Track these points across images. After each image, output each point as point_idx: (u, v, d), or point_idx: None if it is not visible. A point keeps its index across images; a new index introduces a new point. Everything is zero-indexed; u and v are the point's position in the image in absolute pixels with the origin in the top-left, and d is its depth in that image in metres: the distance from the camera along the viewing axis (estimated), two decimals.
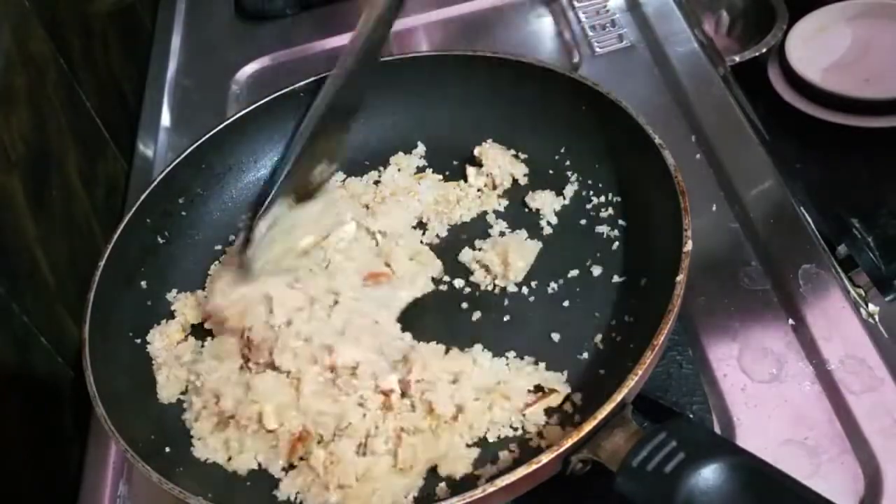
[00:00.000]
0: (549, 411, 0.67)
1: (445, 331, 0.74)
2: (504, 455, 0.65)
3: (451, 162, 0.89)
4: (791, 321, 0.76)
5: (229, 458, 0.69)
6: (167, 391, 0.74)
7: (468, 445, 0.66)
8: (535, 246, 0.79)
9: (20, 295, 0.78)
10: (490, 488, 0.55)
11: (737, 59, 1.33)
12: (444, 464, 0.65)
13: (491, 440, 0.67)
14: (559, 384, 0.68)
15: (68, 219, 0.92)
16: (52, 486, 0.79)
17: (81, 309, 0.72)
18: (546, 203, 0.82)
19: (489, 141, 0.86)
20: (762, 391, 0.72)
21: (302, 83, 0.89)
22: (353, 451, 0.66)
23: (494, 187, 0.85)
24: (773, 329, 0.75)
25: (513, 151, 0.86)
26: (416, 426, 0.66)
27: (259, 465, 0.69)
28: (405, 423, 0.67)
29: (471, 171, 0.86)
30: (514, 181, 0.85)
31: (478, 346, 0.72)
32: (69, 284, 0.87)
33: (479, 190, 0.86)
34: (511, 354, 0.71)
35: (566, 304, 0.75)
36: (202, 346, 0.78)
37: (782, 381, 0.72)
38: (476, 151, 0.86)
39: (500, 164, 0.85)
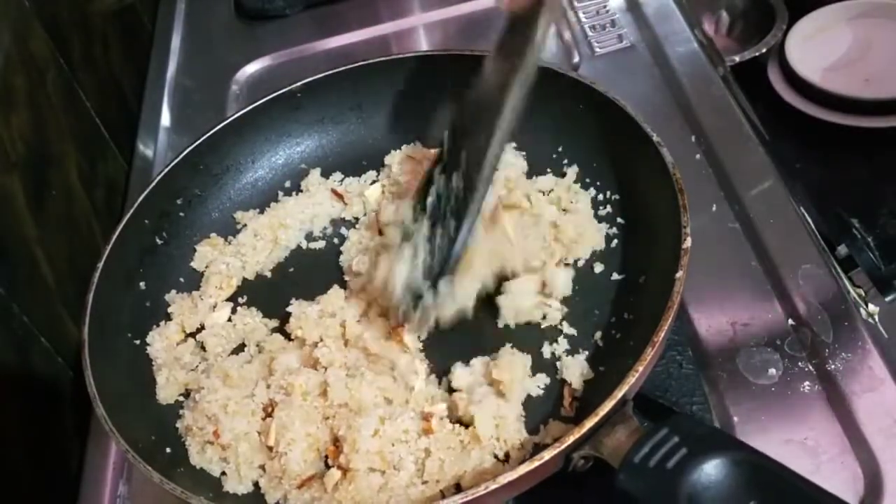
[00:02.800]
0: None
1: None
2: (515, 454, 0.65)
3: None
4: (791, 321, 0.76)
5: (223, 473, 0.68)
6: (166, 392, 0.74)
7: (497, 459, 0.65)
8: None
9: (20, 295, 0.78)
10: (493, 485, 0.55)
11: (737, 59, 1.33)
12: (470, 479, 0.63)
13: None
14: (576, 378, 0.68)
15: (68, 219, 0.92)
16: (52, 486, 0.79)
17: (81, 309, 0.72)
18: None
19: None
20: (762, 391, 0.72)
21: (298, 84, 0.89)
22: (371, 468, 0.64)
23: None
24: (773, 329, 0.75)
25: (514, 144, 0.86)
26: (448, 445, 0.65)
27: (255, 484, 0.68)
28: (439, 443, 0.65)
29: None
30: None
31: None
32: (69, 284, 0.87)
33: None
34: None
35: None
36: (203, 349, 0.78)
37: (782, 381, 0.72)
38: None
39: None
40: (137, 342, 0.77)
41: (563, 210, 0.80)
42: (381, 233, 0.81)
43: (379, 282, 0.70)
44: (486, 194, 0.68)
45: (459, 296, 0.68)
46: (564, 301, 0.75)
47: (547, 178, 0.83)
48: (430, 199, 0.69)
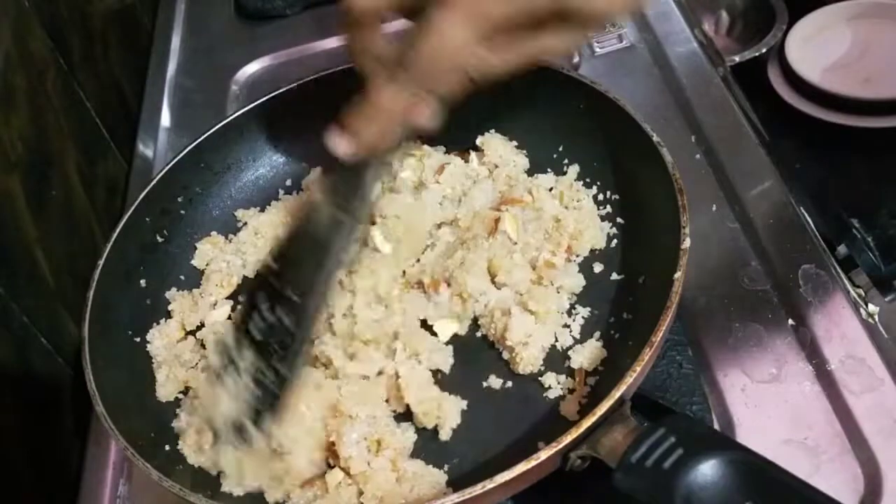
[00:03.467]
0: None
1: None
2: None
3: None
4: (791, 321, 0.76)
5: (219, 474, 0.67)
6: (166, 390, 0.74)
7: None
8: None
9: (20, 295, 0.78)
10: (489, 484, 0.55)
11: (737, 59, 1.33)
12: None
13: None
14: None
15: (68, 219, 0.92)
16: (52, 486, 0.79)
17: (81, 309, 0.72)
18: None
19: (492, 131, 0.86)
20: (762, 391, 0.72)
21: (299, 82, 0.89)
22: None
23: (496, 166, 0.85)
24: (773, 329, 0.75)
25: (515, 143, 0.86)
26: None
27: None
28: None
29: (473, 156, 0.86)
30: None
31: None
32: (69, 284, 0.87)
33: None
34: None
35: None
36: (203, 347, 0.78)
37: (782, 381, 0.72)
38: (478, 141, 0.86)
39: (500, 153, 0.85)
40: (137, 340, 0.77)
41: (566, 207, 0.80)
42: (373, 223, 0.81)
43: (205, 407, 0.66)
44: (310, 332, 0.64)
45: (293, 446, 0.64)
46: None
47: (548, 176, 0.83)
48: (254, 328, 0.63)
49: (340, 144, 0.62)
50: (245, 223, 0.87)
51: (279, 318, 0.62)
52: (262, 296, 0.64)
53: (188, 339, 0.79)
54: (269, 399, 0.61)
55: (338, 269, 0.64)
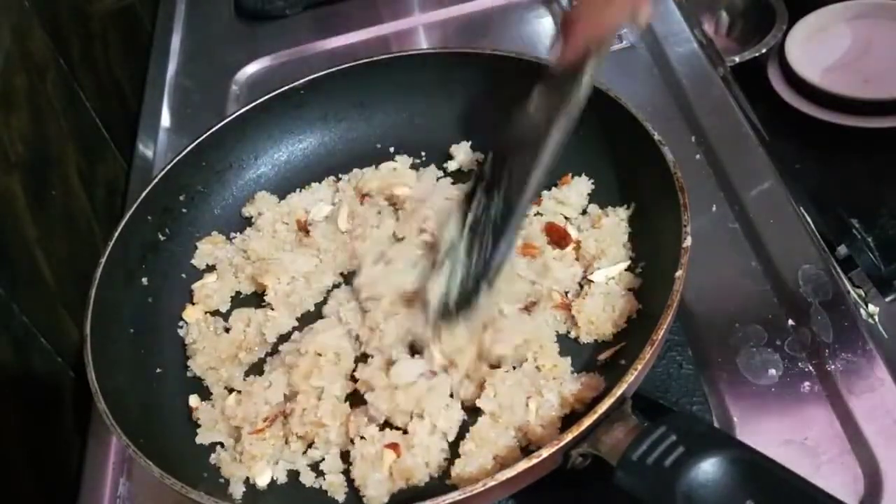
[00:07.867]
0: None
1: None
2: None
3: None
4: (791, 321, 0.76)
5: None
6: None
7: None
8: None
9: (20, 295, 0.78)
10: (491, 482, 0.55)
11: (737, 59, 1.33)
12: None
13: None
14: None
15: (68, 219, 0.92)
16: (53, 486, 0.79)
17: (81, 309, 0.72)
18: None
19: None
20: (762, 391, 0.72)
21: (301, 81, 0.89)
22: None
23: None
24: (773, 329, 0.75)
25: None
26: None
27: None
28: None
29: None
30: None
31: None
32: (69, 285, 0.87)
33: None
34: None
35: None
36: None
37: (782, 381, 0.72)
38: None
39: None
40: (139, 337, 0.77)
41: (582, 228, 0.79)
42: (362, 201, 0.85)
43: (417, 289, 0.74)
44: (524, 217, 0.73)
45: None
46: None
47: (569, 190, 0.82)
48: (470, 215, 0.71)
49: (555, 50, 0.70)
50: (250, 216, 0.87)
51: (494, 205, 0.71)
52: (480, 186, 0.72)
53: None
54: (476, 272, 0.69)
55: (554, 156, 0.70)
